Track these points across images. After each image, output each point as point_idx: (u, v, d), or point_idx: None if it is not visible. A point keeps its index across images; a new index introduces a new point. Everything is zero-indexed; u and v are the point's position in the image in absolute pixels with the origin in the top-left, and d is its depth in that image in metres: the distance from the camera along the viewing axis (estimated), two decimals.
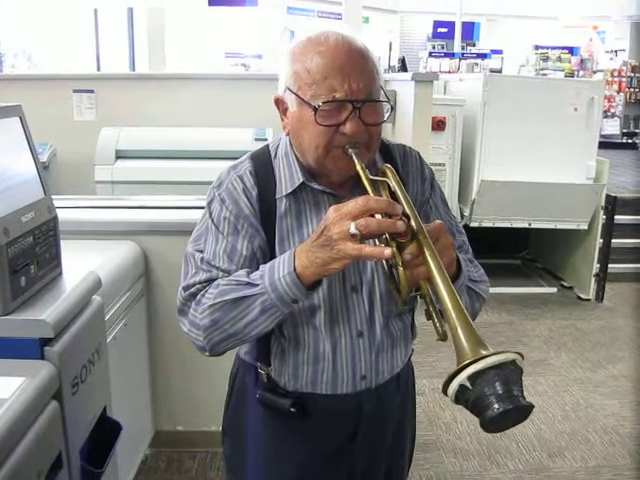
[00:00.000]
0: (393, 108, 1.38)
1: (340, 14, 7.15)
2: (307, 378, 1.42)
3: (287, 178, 1.37)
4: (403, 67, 6.79)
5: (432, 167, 1.56)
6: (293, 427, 1.46)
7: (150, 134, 4.17)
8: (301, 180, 1.36)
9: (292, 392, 1.43)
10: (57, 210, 1.84)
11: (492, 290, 5.49)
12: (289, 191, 1.36)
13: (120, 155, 4.01)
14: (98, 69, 11.08)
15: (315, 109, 1.24)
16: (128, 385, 2.50)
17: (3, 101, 1.76)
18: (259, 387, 1.46)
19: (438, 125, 4.97)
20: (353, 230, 1.10)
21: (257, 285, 1.25)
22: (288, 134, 1.37)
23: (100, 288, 1.93)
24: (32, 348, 1.55)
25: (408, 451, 1.68)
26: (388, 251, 1.10)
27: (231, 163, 1.43)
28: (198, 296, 1.33)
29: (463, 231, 1.54)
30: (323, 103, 1.24)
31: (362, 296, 1.39)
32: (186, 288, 1.35)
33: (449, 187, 5.19)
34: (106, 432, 1.87)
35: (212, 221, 1.37)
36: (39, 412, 1.43)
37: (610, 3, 15.40)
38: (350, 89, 1.24)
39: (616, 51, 15.41)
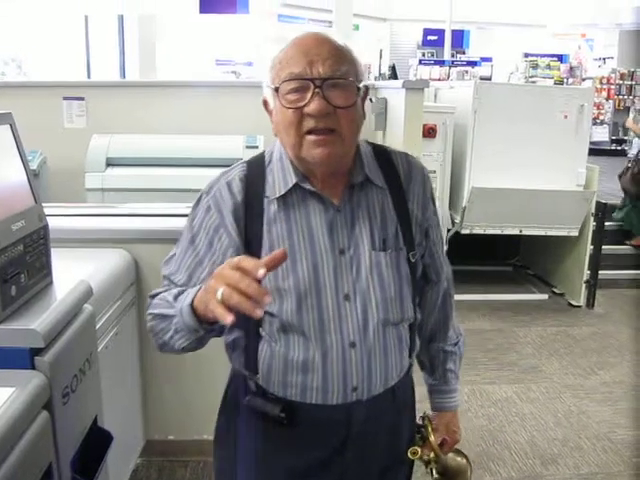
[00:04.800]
0: (368, 88, 1.39)
1: (331, 22, 7.18)
2: (297, 387, 1.39)
3: (281, 180, 1.37)
4: (393, 75, 6.81)
5: None
6: (282, 435, 1.43)
7: (141, 141, 4.16)
8: (294, 181, 1.35)
9: (282, 398, 1.40)
10: (47, 218, 1.83)
11: (483, 297, 5.47)
12: (282, 192, 1.36)
13: (110, 162, 4.00)
14: (88, 76, 11.04)
15: (277, 89, 1.28)
16: (119, 394, 2.48)
17: None
18: (248, 393, 1.44)
19: (429, 132, 4.97)
20: (219, 296, 1.10)
21: (174, 307, 1.32)
22: (276, 135, 1.38)
23: (91, 297, 1.92)
24: (22, 358, 1.54)
25: (405, 472, 1.64)
26: (259, 312, 1.08)
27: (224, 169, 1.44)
28: None
29: (445, 256, 1.59)
30: (283, 82, 1.27)
31: (355, 305, 1.36)
32: (151, 297, 1.45)
33: (440, 194, 5.19)
34: (97, 442, 1.86)
35: (191, 228, 1.41)
36: (29, 423, 1.42)
37: (598, 11, 15.48)
38: (311, 68, 1.26)
39: (604, 59, 15.51)
